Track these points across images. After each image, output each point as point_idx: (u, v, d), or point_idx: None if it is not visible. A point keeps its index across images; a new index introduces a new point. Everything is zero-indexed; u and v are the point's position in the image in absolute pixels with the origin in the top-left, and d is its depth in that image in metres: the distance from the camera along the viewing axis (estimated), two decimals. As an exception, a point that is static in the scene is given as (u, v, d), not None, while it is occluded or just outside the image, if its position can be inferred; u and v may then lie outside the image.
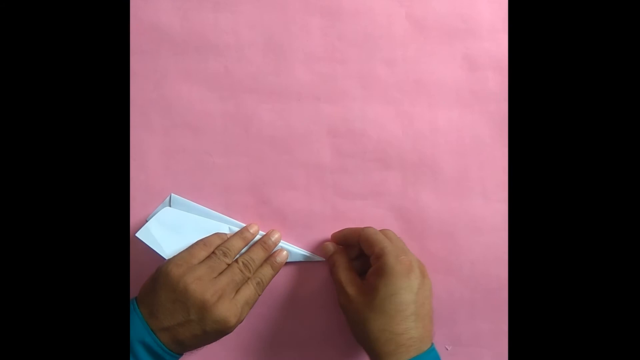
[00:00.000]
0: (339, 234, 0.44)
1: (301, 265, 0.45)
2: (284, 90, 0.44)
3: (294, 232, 0.45)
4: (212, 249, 0.41)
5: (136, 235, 0.41)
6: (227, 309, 0.38)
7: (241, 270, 0.40)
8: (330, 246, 0.44)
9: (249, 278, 0.41)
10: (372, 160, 0.45)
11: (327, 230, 0.45)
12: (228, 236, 0.43)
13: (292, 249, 0.44)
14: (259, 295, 0.41)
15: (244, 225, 0.44)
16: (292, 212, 0.45)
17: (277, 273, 0.43)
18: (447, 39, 0.45)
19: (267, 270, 0.42)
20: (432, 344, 0.39)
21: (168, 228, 0.42)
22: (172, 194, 0.44)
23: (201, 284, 0.38)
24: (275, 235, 0.44)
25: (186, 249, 0.41)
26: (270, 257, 0.43)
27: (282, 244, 0.44)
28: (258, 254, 0.42)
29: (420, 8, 0.44)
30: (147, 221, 0.42)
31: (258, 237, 0.44)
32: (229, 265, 0.41)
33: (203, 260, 0.40)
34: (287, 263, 0.44)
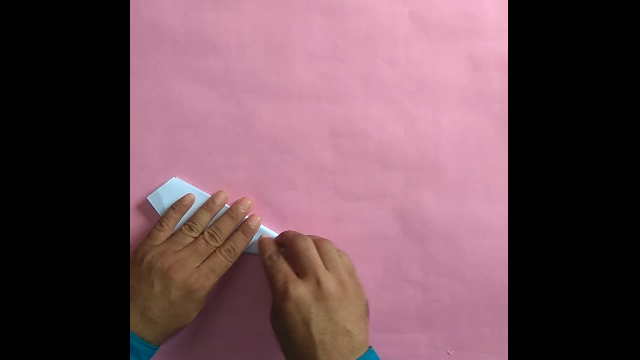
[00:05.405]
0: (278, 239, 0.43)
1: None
2: (285, 89, 0.44)
3: (294, 233, 0.44)
4: (172, 226, 0.42)
5: (147, 198, 0.43)
6: (188, 275, 0.39)
7: (206, 241, 0.41)
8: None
9: (216, 247, 0.41)
10: (373, 161, 0.44)
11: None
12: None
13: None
14: (231, 263, 0.41)
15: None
16: (292, 212, 0.44)
17: (250, 239, 0.43)
18: (450, 38, 0.44)
19: (238, 237, 0.42)
20: (370, 347, 0.37)
21: (175, 197, 0.43)
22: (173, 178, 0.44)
23: (163, 257, 0.39)
24: (248, 203, 0.43)
25: (148, 235, 0.42)
26: (242, 223, 0.43)
27: (273, 233, 0.44)
28: (225, 224, 0.42)
29: (423, 7, 0.44)
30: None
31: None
32: (195, 238, 0.41)
33: (168, 238, 0.41)
34: None
